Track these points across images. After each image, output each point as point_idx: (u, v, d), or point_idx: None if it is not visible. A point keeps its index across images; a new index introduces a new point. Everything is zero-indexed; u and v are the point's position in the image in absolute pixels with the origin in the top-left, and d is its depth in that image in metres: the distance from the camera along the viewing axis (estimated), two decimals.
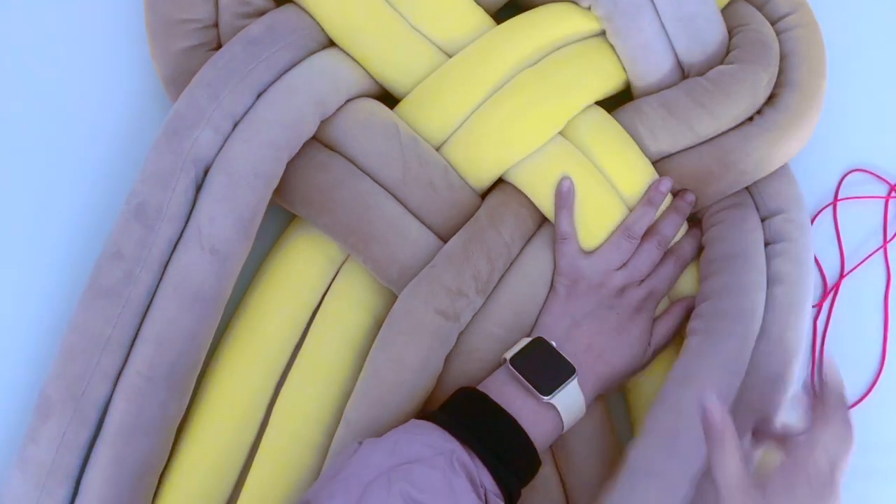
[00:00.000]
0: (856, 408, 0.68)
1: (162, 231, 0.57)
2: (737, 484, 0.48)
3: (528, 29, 0.64)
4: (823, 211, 0.71)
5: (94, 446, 0.56)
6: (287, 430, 0.60)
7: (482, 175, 0.63)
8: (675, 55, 0.65)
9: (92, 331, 0.55)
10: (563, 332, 0.60)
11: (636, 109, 0.65)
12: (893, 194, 0.71)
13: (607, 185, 0.63)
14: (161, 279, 0.57)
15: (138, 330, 0.57)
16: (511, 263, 0.62)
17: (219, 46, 0.64)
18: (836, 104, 0.70)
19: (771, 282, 0.61)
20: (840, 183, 0.72)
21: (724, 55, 0.66)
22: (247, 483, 0.60)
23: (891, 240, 0.71)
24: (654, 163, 0.64)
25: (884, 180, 0.72)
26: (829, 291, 0.70)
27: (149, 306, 0.57)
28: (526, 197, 0.63)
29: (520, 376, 0.56)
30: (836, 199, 0.71)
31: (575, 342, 0.60)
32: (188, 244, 0.57)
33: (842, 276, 0.70)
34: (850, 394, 0.67)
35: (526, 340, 0.59)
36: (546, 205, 0.63)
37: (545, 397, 0.56)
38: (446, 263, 0.60)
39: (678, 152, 0.64)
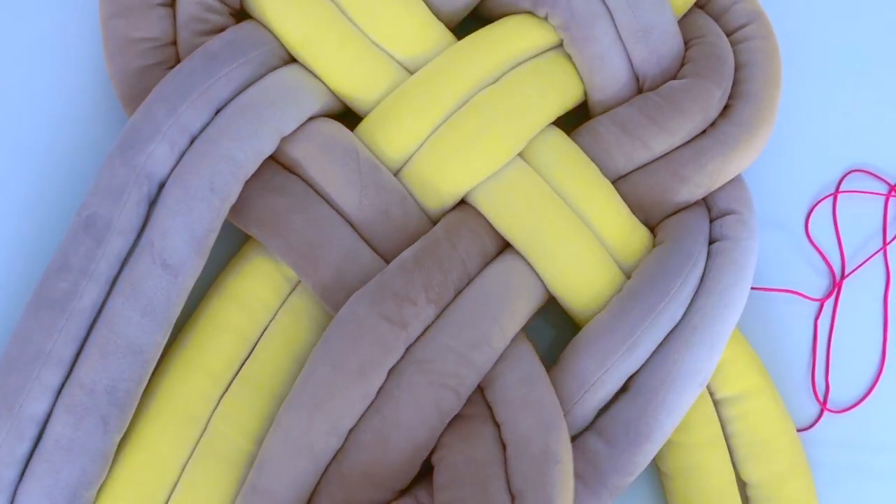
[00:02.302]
0: (856, 408, 0.68)
1: (111, 244, 0.56)
2: None
3: (487, 45, 0.65)
4: (822, 203, 0.71)
5: (31, 458, 0.55)
6: (222, 442, 0.59)
7: (441, 198, 0.63)
8: (632, 66, 0.66)
9: (33, 343, 0.55)
10: None
11: (591, 131, 0.65)
12: (893, 193, 0.72)
13: (568, 210, 0.63)
14: (109, 292, 0.57)
15: (83, 344, 0.56)
16: (470, 281, 0.61)
17: (177, 64, 0.63)
18: (836, 104, 0.71)
19: (706, 275, 0.62)
20: (840, 182, 0.72)
21: (679, 67, 0.66)
22: (177, 489, 0.58)
23: (891, 241, 0.72)
24: (613, 182, 0.65)
25: (883, 180, 0.73)
26: (830, 292, 0.70)
27: (95, 320, 0.56)
28: (484, 217, 0.63)
29: None
30: (836, 190, 0.72)
31: None
32: (140, 257, 0.57)
33: (843, 276, 0.71)
34: (851, 394, 0.69)
35: None
36: (504, 228, 0.62)
37: None
38: (397, 270, 0.59)
39: (634, 170, 0.65)
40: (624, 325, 0.60)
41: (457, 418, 0.59)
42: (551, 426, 0.58)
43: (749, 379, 0.65)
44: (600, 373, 0.60)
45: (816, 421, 0.68)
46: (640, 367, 0.61)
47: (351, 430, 0.57)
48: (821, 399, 0.69)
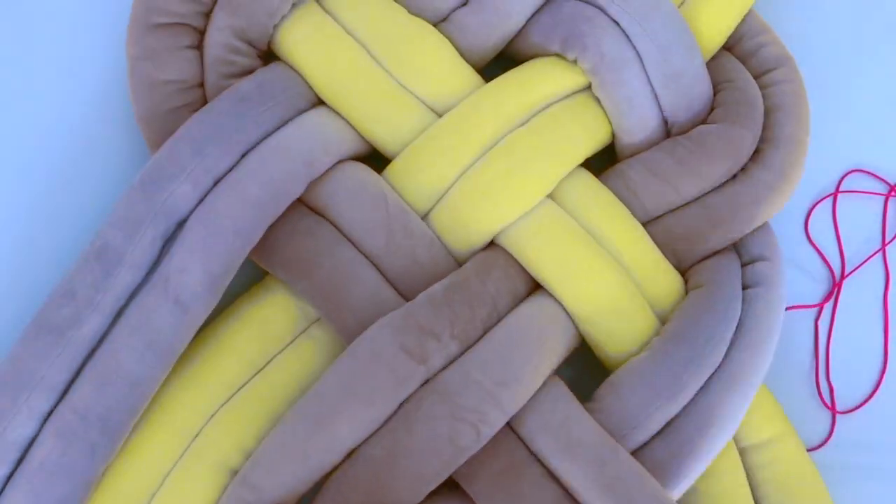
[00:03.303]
0: (859, 410, 0.68)
1: (120, 277, 0.56)
2: None
3: (516, 88, 0.64)
4: (821, 203, 0.71)
5: (14, 479, 0.54)
6: (213, 451, 0.58)
7: (470, 240, 0.63)
8: (661, 111, 0.66)
9: (26, 368, 0.54)
10: None
11: (619, 174, 0.65)
12: (893, 193, 0.72)
13: (600, 249, 0.62)
14: (114, 323, 0.56)
15: (77, 373, 0.55)
16: (500, 319, 0.61)
17: (203, 106, 0.63)
18: (836, 104, 0.71)
19: (742, 323, 0.61)
20: (840, 182, 0.72)
21: (708, 112, 0.66)
22: (162, 490, 0.57)
23: (891, 241, 0.71)
24: (644, 225, 0.64)
25: (883, 180, 0.73)
26: (829, 293, 0.70)
27: (93, 350, 0.55)
28: (514, 258, 0.62)
29: None
30: (836, 190, 0.72)
31: None
32: (153, 291, 0.56)
33: (842, 277, 0.70)
34: (853, 395, 0.68)
35: None
36: (536, 268, 0.62)
37: None
38: (426, 303, 0.59)
39: (665, 214, 0.65)
40: (671, 369, 0.59)
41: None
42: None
43: (774, 426, 0.65)
44: (646, 415, 0.59)
45: (831, 431, 0.68)
46: (679, 412, 0.60)
47: (358, 446, 0.56)
48: (828, 404, 0.68)
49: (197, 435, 0.58)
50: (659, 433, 0.60)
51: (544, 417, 0.58)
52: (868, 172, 0.73)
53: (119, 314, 0.56)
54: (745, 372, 0.60)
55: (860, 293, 0.71)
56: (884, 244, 0.72)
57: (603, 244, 0.63)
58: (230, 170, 0.59)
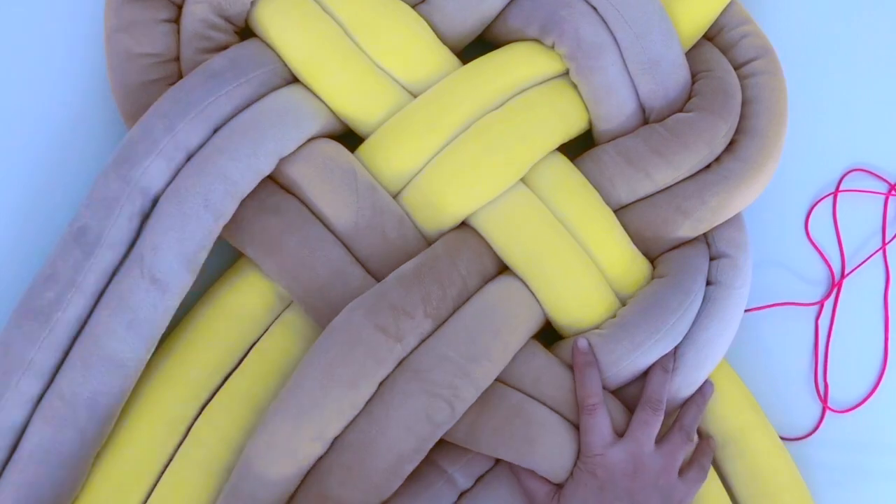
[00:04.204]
0: (859, 408, 0.68)
1: (100, 257, 0.56)
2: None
3: (492, 71, 0.64)
4: (822, 202, 0.71)
5: (6, 468, 0.54)
6: (202, 450, 0.59)
7: (440, 221, 0.63)
8: (638, 98, 0.65)
9: (15, 352, 0.54)
10: None
11: (595, 158, 0.65)
12: (893, 192, 0.71)
13: (568, 237, 0.62)
14: (95, 305, 0.56)
15: (65, 355, 0.55)
16: (469, 297, 0.61)
17: (179, 80, 0.63)
18: (836, 104, 0.70)
19: (699, 316, 0.62)
20: (840, 181, 0.72)
21: (685, 100, 0.66)
22: (155, 492, 0.58)
23: (891, 240, 0.71)
24: (615, 212, 0.64)
25: (883, 179, 0.72)
26: (829, 292, 0.70)
27: (79, 331, 0.56)
28: (484, 239, 0.62)
29: None
30: (837, 189, 0.71)
31: None
32: (129, 271, 0.56)
33: (843, 276, 0.70)
34: (852, 394, 0.68)
35: None
36: (506, 251, 0.62)
37: None
38: (395, 283, 0.59)
39: (637, 201, 0.64)
40: (610, 357, 0.60)
41: None
42: None
43: (743, 416, 0.65)
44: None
45: (819, 422, 0.68)
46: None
47: (341, 433, 0.57)
48: (821, 396, 0.68)
49: (187, 430, 0.59)
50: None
51: (520, 369, 0.60)
52: (868, 171, 0.72)
53: (100, 295, 0.56)
54: (687, 373, 0.61)
55: (860, 292, 0.70)
56: (884, 243, 0.71)
57: (572, 231, 0.63)
58: (202, 145, 0.59)
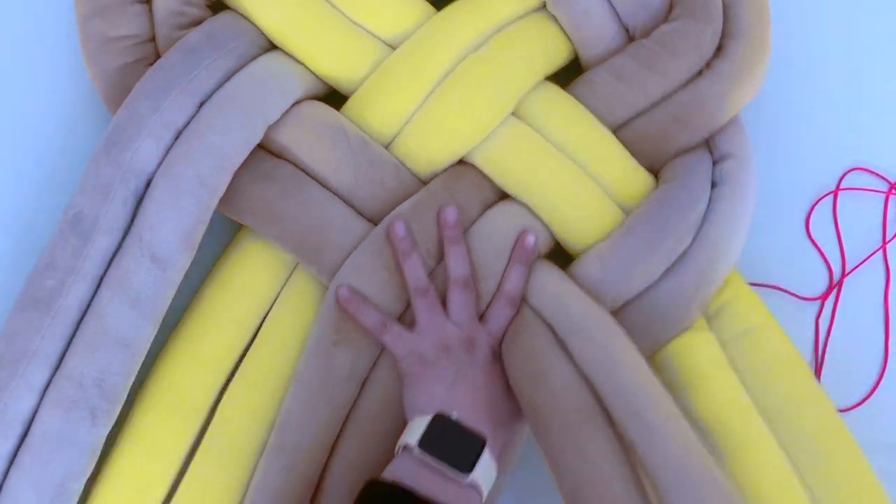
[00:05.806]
0: (859, 408, 0.67)
1: (98, 242, 0.56)
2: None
3: (468, 13, 0.64)
4: (822, 201, 0.70)
5: (18, 452, 0.54)
6: (231, 430, 0.58)
7: (435, 164, 0.62)
8: (619, 18, 0.65)
9: (19, 342, 0.54)
10: (445, 400, 0.54)
11: (586, 81, 0.64)
12: (893, 191, 0.71)
13: (566, 160, 0.62)
14: (96, 290, 0.56)
15: (69, 342, 0.55)
16: (471, 225, 0.61)
17: (157, 60, 0.63)
18: (836, 103, 0.70)
19: (706, 217, 0.61)
20: (840, 180, 0.71)
21: (667, 12, 0.65)
22: (185, 480, 0.57)
23: (891, 239, 0.70)
24: (614, 131, 0.64)
25: (883, 178, 0.72)
26: (829, 290, 0.69)
27: (82, 317, 0.55)
28: (482, 172, 0.62)
29: (436, 461, 0.51)
30: (837, 188, 0.71)
31: (461, 406, 0.54)
32: (128, 252, 0.56)
33: (843, 275, 0.69)
34: (852, 393, 0.67)
35: (423, 421, 0.53)
36: (505, 182, 0.62)
37: (467, 477, 0.51)
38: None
39: (634, 117, 0.64)
40: (620, 262, 0.60)
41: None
42: None
43: (755, 317, 0.63)
44: (623, 279, 0.60)
45: None
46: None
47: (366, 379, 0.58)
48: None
49: (209, 414, 0.59)
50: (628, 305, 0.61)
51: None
52: (868, 170, 0.72)
53: (101, 280, 0.56)
54: (710, 262, 0.61)
55: (861, 291, 0.70)
56: (884, 242, 0.70)
57: (569, 154, 0.62)
58: (189, 122, 0.59)
